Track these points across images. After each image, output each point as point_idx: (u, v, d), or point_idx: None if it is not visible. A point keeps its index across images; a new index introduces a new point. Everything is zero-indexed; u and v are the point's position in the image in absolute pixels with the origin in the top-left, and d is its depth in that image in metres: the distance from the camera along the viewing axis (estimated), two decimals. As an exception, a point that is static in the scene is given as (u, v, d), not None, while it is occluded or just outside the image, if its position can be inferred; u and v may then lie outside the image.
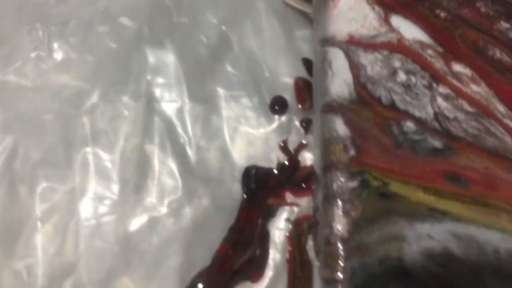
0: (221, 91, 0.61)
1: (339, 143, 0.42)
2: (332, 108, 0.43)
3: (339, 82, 0.44)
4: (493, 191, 0.42)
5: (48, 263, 0.54)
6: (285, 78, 0.61)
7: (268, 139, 0.59)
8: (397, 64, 0.45)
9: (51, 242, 0.55)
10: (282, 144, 0.58)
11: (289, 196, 0.55)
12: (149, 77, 0.61)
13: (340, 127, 0.43)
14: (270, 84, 0.61)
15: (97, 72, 0.61)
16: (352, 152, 0.42)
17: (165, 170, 0.58)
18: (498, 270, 0.40)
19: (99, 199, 0.57)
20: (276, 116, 0.59)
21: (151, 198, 0.57)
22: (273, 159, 0.59)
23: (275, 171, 0.59)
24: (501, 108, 0.44)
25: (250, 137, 0.60)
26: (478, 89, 0.44)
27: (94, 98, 0.60)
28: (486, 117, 0.43)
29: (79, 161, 0.57)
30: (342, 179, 0.41)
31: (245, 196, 0.58)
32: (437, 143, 0.42)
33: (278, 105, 0.60)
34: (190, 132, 0.59)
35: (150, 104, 0.60)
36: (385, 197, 0.41)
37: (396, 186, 0.41)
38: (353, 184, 0.41)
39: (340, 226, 0.40)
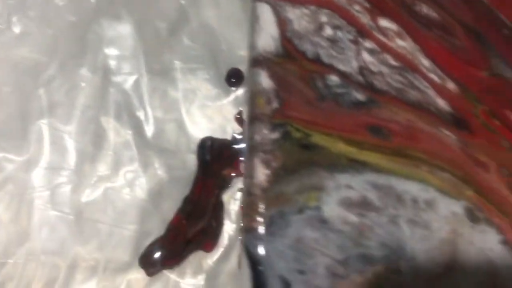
0: (178, 64, 0.62)
1: (263, 96, 0.43)
2: (258, 62, 0.44)
3: (266, 37, 0.45)
4: (414, 143, 0.43)
5: (3, 230, 0.55)
6: (242, 51, 0.62)
7: (224, 111, 0.60)
8: (324, 19, 0.46)
9: (6, 210, 0.55)
10: (237, 116, 0.59)
11: (244, 166, 0.55)
12: (106, 50, 0.62)
13: (265, 80, 0.44)
14: (227, 57, 0.62)
15: (55, 45, 0.62)
16: (275, 105, 0.43)
17: (121, 141, 0.59)
18: (415, 219, 0.41)
19: (55, 169, 0.57)
20: (233, 88, 0.60)
21: (106, 169, 0.58)
22: (229, 130, 0.60)
23: (231, 142, 0.60)
24: (426, 62, 0.45)
25: (206, 109, 0.61)
26: (404, 44, 0.45)
27: (52, 70, 0.60)
28: (410, 71, 0.44)
29: (35, 132, 0.58)
30: (265, 131, 0.42)
31: (200, 167, 0.59)
32: (360, 96, 0.43)
33: (234, 78, 0.61)
34: (147, 104, 0.60)
35: (107, 76, 0.61)
36: (306, 148, 0.42)
37: (318, 137, 0.42)
38: (275, 135, 0.42)
39: (260, 176, 0.41)
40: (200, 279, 0.56)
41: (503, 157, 0.43)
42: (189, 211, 0.58)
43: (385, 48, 0.45)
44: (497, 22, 0.48)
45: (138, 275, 0.55)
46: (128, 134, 0.59)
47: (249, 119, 0.43)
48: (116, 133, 0.59)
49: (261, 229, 0.40)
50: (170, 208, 0.57)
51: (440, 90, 0.44)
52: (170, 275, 0.55)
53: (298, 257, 0.40)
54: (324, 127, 0.42)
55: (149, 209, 0.57)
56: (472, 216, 0.41)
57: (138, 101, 0.60)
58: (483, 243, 0.41)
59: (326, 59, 0.44)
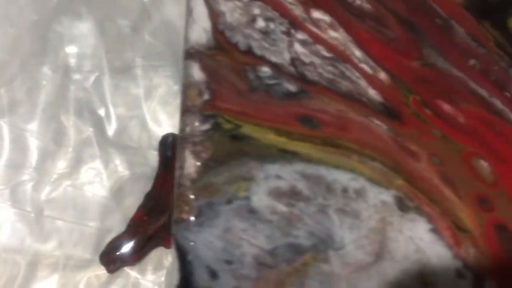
0: (139, 61, 0.63)
1: (194, 88, 0.44)
2: (190, 54, 0.45)
3: (198, 29, 0.45)
4: (345, 133, 0.43)
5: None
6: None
7: (186, 108, 0.60)
8: (256, 11, 0.47)
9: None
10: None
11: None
12: (67, 48, 0.62)
13: (196, 72, 0.44)
14: (188, 54, 0.62)
15: (17, 44, 0.62)
16: (206, 96, 0.43)
17: (82, 139, 0.59)
18: (345, 209, 0.41)
19: (15, 167, 0.57)
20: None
21: (67, 166, 0.58)
22: (191, 127, 0.60)
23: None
24: (358, 53, 0.46)
25: (168, 106, 0.62)
26: (337, 35, 0.46)
27: (13, 69, 0.61)
28: (342, 62, 0.45)
29: (-5, 131, 0.58)
30: (195, 123, 0.43)
31: (161, 163, 0.59)
32: (291, 87, 0.44)
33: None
34: (108, 102, 0.60)
35: (68, 74, 0.61)
36: (236, 139, 0.42)
37: (248, 128, 0.43)
38: (206, 126, 0.43)
39: (189, 167, 0.42)
40: (161, 275, 0.56)
41: (434, 146, 0.44)
42: (150, 207, 0.59)
43: (317, 40, 0.45)
44: (430, 12, 0.49)
45: (99, 272, 0.56)
46: (89, 132, 0.59)
47: (181, 112, 0.44)
48: (77, 130, 0.60)
49: (190, 220, 0.40)
50: (131, 204, 0.58)
51: (372, 81, 0.45)
52: (130, 271, 0.56)
53: (226, 247, 0.40)
54: (254, 118, 0.43)
55: (110, 206, 0.57)
56: (402, 205, 0.42)
57: (99, 99, 0.61)
58: (413, 232, 0.42)
59: (258, 51, 0.45)
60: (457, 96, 0.46)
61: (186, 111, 0.43)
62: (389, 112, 0.45)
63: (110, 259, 0.57)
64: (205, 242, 0.40)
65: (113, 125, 0.61)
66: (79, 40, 0.65)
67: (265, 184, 0.42)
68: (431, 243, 0.42)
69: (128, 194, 0.60)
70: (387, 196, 0.43)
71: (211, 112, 0.43)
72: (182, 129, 0.43)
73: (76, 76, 0.63)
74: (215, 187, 0.41)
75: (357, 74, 0.45)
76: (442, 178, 0.43)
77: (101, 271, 0.57)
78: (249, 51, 0.45)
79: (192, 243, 0.40)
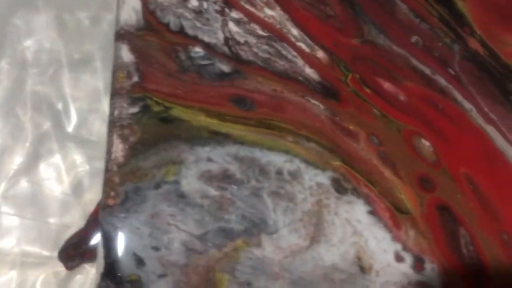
0: (99, 53, 0.62)
1: (123, 70, 0.43)
2: (120, 36, 0.44)
3: (128, 10, 0.45)
4: (280, 113, 0.43)
5: None
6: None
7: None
8: (190, -10, 0.46)
9: None
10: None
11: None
12: (25, 42, 0.62)
13: (125, 53, 0.43)
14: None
15: None
16: (135, 78, 0.43)
17: (40, 134, 0.58)
18: (279, 191, 0.41)
19: None
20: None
21: (25, 161, 0.57)
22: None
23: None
24: (295, 31, 0.45)
25: None
26: (273, 13, 0.45)
27: None
28: (278, 41, 0.44)
29: None
30: (124, 105, 0.42)
31: None
32: (225, 67, 0.43)
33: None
34: (67, 95, 0.59)
35: (25, 68, 0.60)
36: (166, 121, 0.41)
37: (178, 110, 0.42)
38: (134, 109, 0.42)
39: (117, 151, 0.41)
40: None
41: (373, 126, 0.43)
42: (110, 203, 0.57)
43: (252, 18, 0.44)
44: (371, -11, 0.48)
45: (57, 269, 0.55)
46: (47, 126, 0.58)
47: (111, 95, 0.43)
48: (35, 125, 0.59)
49: (116, 206, 0.39)
50: (91, 200, 0.57)
51: (309, 59, 0.44)
52: (90, 268, 0.55)
53: (153, 233, 0.39)
54: (185, 99, 0.42)
55: (70, 202, 0.57)
56: (339, 187, 0.41)
57: (57, 92, 0.60)
58: (350, 214, 0.41)
59: (190, 31, 0.44)
60: (398, 73, 0.46)
61: (114, 94, 0.43)
62: (326, 91, 0.44)
63: (69, 256, 0.56)
64: (132, 228, 0.39)
65: (72, 119, 0.60)
66: (37, 34, 0.64)
67: (196, 168, 0.41)
68: (369, 225, 0.41)
69: (88, 189, 0.59)
70: (324, 177, 0.42)
71: (140, 94, 0.42)
72: (111, 113, 0.43)
73: (34, 70, 0.63)
74: (143, 172, 0.41)
75: (294, 52, 0.44)
76: (381, 158, 0.43)
77: (60, 268, 0.56)
78: (181, 31, 0.44)
79: (118, 230, 0.39)
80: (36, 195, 0.57)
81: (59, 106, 0.59)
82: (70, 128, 0.59)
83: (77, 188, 0.56)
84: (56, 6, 0.63)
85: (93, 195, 0.57)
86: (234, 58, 0.44)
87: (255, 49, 0.44)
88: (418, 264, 0.41)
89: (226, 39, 0.44)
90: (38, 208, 0.56)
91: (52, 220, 0.55)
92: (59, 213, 0.56)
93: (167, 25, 0.44)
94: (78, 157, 0.58)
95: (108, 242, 0.39)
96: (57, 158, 0.58)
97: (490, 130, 0.44)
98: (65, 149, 0.58)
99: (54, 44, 0.61)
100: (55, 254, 0.54)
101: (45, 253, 0.54)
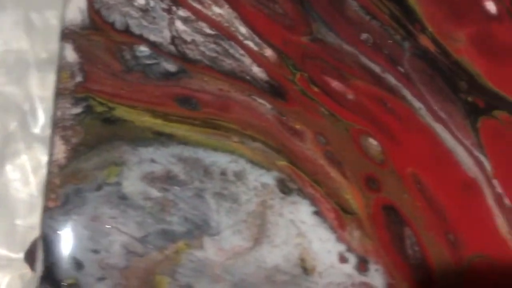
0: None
1: (67, 70, 0.42)
2: (65, 35, 0.44)
3: (74, 9, 0.44)
4: (226, 113, 0.42)
5: None
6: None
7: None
8: (136, -12, 0.45)
9: None
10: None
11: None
12: None
13: (70, 53, 0.43)
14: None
15: None
16: (79, 78, 0.42)
17: (6, 134, 0.58)
18: (223, 192, 0.40)
19: None
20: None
21: None
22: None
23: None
24: (243, 29, 0.44)
25: None
26: (221, 11, 0.45)
27: None
28: (226, 39, 0.44)
29: None
30: (67, 106, 0.42)
31: None
32: (171, 66, 0.43)
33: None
34: (34, 95, 0.59)
35: None
36: (109, 122, 0.41)
37: (122, 111, 0.42)
38: (77, 110, 0.42)
39: (58, 153, 0.41)
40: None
41: (321, 125, 0.42)
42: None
43: (200, 16, 0.44)
44: (321, -14, 0.47)
45: (23, 270, 0.54)
46: (14, 126, 0.58)
47: (54, 96, 0.43)
48: (1, 126, 0.58)
49: (56, 208, 0.39)
50: None
51: (257, 58, 0.43)
52: None
53: (93, 235, 0.39)
54: (129, 99, 0.42)
55: (36, 203, 0.56)
56: (284, 187, 0.41)
57: (24, 92, 0.59)
58: (294, 215, 0.41)
59: (136, 30, 0.44)
60: (347, 72, 0.45)
61: (58, 94, 0.42)
62: (274, 90, 0.43)
63: (36, 258, 0.56)
64: (71, 231, 0.39)
65: (39, 119, 0.60)
66: (4, 33, 0.64)
67: (138, 169, 0.41)
68: (313, 226, 0.41)
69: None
70: (268, 178, 0.42)
71: (83, 94, 0.42)
72: (53, 114, 0.42)
73: (1, 70, 0.62)
74: (84, 173, 0.40)
75: (242, 51, 0.44)
76: (328, 158, 0.42)
77: (26, 270, 0.56)
78: (126, 30, 0.44)
79: (57, 232, 0.39)
80: (3, 196, 0.56)
81: (26, 106, 0.58)
82: (37, 129, 0.58)
83: (44, 190, 0.56)
84: (24, 6, 0.63)
85: (60, 197, 0.56)
86: (181, 57, 0.43)
87: (202, 48, 0.44)
88: (362, 265, 0.41)
89: (173, 38, 0.44)
90: (4, 210, 0.56)
91: (18, 222, 0.55)
92: (25, 215, 0.55)
93: (112, 24, 0.44)
94: (45, 158, 0.57)
95: (47, 245, 0.39)
96: (23, 159, 0.58)
97: (439, 128, 0.44)
98: (31, 149, 0.58)
99: (21, 43, 0.61)
100: (21, 255, 0.54)
101: (12, 255, 0.54)
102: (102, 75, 0.43)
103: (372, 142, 0.43)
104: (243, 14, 0.46)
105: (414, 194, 0.42)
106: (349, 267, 0.41)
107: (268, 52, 0.45)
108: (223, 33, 0.45)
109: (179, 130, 0.42)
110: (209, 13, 0.45)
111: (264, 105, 0.43)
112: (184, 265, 0.40)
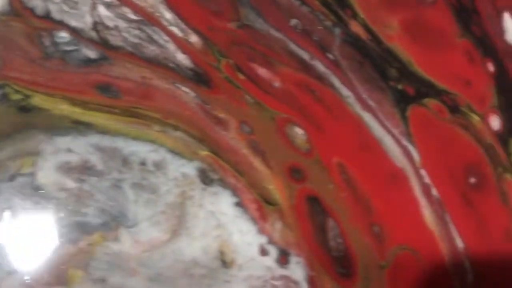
0: None
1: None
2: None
3: (-5, -7, 0.43)
4: (147, 101, 0.41)
5: None
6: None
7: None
8: (58, -28, 0.44)
9: None
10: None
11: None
12: None
13: (-12, 39, 0.41)
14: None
15: None
16: (-4, 65, 0.41)
17: None
18: (141, 183, 0.39)
19: None
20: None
21: None
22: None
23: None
24: (168, 15, 0.43)
25: None
26: (146, -4, 0.43)
27: None
28: (150, 25, 0.43)
29: None
30: (-18, 94, 0.40)
31: None
32: (91, 53, 0.42)
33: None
34: None
35: None
36: (25, 110, 0.40)
37: (38, 99, 0.40)
38: (-8, 98, 0.40)
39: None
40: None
41: (245, 113, 0.41)
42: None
43: (123, 2, 0.43)
44: (251, -29, 0.46)
45: None
46: None
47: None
48: None
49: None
50: None
51: (182, 44, 0.42)
52: None
53: (4, 228, 0.38)
54: (46, 87, 0.40)
55: None
56: (205, 178, 0.40)
57: None
58: (215, 206, 0.40)
59: (57, 15, 0.42)
60: (275, 59, 0.44)
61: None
62: (198, 77, 0.42)
63: None
64: (-18, 223, 0.38)
65: None
66: None
67: (54, 159, 0.39)
68: (234, 218, 0.40)
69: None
70: (189, 168, 0.40)
71: (0, 82, 0.40)
72: (-31, 102, 0.41)
73: None
74: (-2, 164, 0.39)
75: (166, 37, 0.43)
76: (252, 147, 0.41)
77: None
78: (47, 16, 0.43)
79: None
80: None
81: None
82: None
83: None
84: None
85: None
86: (102, 44, 0.42)
87: (125, 34, 0.43)
88: (283, 257, 0.40)
89: (95, 24, 0.42)
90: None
91: None
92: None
93: (32, 10, 0.43)
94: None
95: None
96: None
97: (367, 117, 0.43)
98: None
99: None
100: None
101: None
102: (19, 62, 0.42)
103: (298, 131, 0.42)
104: (169, -1, 0.44)
105: (339, 184, 0.41)
106: (269, 260, 0.40)
107: (193, 38, 0.43)
108: (147, 18, 0.44)
109: (99, 118, 0.41)
110: (134, -2, 0.44)
111: (187, 93, 0.42)
112: (99, 258, 0.39)
